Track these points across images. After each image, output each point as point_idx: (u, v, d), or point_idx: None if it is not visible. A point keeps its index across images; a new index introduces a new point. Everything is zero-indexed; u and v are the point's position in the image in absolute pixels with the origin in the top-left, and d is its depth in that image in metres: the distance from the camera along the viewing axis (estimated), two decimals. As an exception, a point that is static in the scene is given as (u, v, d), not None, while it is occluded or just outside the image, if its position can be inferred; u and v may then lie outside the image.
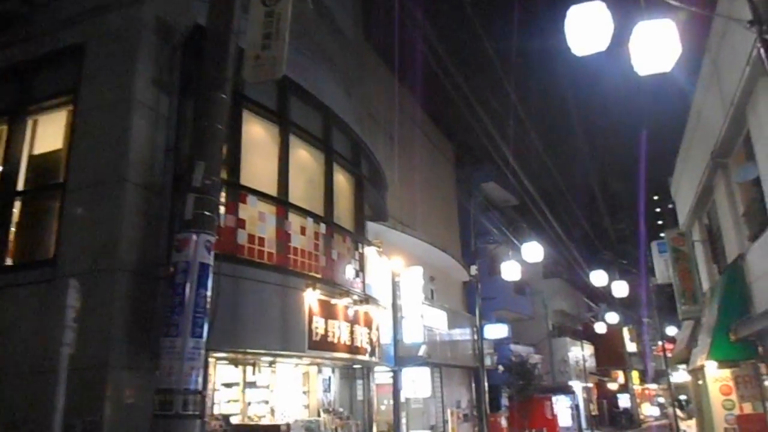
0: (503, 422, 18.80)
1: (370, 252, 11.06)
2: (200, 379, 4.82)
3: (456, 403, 20.48)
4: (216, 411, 9.41)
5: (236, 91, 7.93)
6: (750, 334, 8.64)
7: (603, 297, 29.13)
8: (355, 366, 12.05)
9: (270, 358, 8.86)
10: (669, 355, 18.56)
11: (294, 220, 8.64)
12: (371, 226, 14.87)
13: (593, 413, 27.77)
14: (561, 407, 23.72)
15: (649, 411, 35.34)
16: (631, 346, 36.34)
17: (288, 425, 8.28)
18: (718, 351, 9.25)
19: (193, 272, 4.93)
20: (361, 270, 10.32)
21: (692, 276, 12.36)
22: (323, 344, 8.71)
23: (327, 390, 11.07)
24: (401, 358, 12.76)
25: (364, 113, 16.26)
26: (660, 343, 20.68)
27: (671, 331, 33.46)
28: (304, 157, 9.52)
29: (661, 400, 44.62)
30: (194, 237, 5.00)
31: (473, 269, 14.73)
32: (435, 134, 23.54)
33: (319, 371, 10.69)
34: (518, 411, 21.01)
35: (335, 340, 9.04)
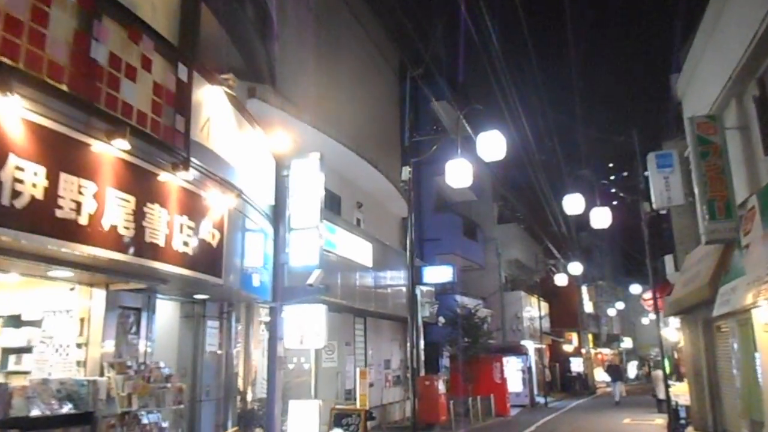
0: (440, 386, 14.77)
1: (211, 96, 6.30)
2: None
3: (384, 363, 16.31)
4: None
5: None
6: None
7: (565, 245, 25.48)
8: (199, 296, 7.43)
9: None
10: (648, 305, 14.88)
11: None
12: (263, 109, 10.10)
13: (547, 378, 24.31)
14: (511, 370, 20.04)
15: (601, 376, 32.51)
16: (588, 306, 33.25)
17: None
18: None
19: None
20: (180, 112, 5.56)
21: (726, 178, 8.24)
22: (38, 221, 4.00)
23: (131, 332, 6.43)
24: (285, 288, 8.22)
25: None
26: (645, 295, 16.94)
27: (635, 289, 30.42)
28: None
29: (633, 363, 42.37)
30: None
31: (406, 171, 10.25)
32: (379, 36, 18.55)
33: (111, 302, 6.01)
34: (461, 373, 17.05)
35: (82, 220, 4.34)
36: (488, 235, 23.78)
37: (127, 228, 4.75)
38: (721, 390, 10.36)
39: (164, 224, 5.21)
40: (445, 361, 19.19)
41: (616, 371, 25.09)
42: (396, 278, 15.92)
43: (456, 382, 17.06)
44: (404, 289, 16.06)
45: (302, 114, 11.54)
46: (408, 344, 16.44)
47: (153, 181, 5.17)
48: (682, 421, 11.21)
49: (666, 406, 15.81)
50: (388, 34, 18.60)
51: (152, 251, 5.04)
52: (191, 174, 5.58)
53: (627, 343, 46.31)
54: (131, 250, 4.79)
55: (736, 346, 7.87)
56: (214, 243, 6.08)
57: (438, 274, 16.07)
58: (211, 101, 6.24)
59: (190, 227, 5.62)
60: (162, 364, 6.52)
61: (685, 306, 10.11)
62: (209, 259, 5.99)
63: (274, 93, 10.77)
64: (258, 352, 9.98)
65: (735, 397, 8.75)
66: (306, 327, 8.24)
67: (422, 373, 16.56)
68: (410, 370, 10.57)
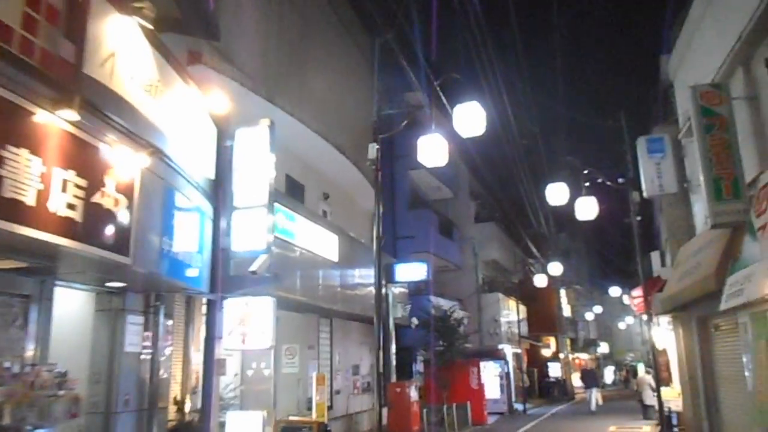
0: (413, 393, 13.57)
1: (120, 27, 5.02)
2: None
3: (352, 368, 15.05)
4: None
5: None
6: None
7: (545, 244, 24.59)
8: (112, 284, 6.11)
9: None
10: (633, 304, 13.99)
11: None
12: (208, 75, 8.80)
13: (525, 384, 23.21)
14: (488, 376, 18.94)
15: (578, 382, 31.64)
16: (566, 310, 32.39)
17: None
18: None
19: None
20: (70, 37, 4.28)
21: (733, 154, 7.28)
22: None
23: (15, 325, 5.07)
24: (228, 278, 6.95)
25: None
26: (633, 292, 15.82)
27: (614, 291, 29.73)
28: None
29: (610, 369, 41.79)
30: None
31: (373, 149, 9.06)
32: (352, 22, 17.32)
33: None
34: (436, 379, 15.88)
35: None
36: (465, 234, 22.73)
37: (-32, 175, 3.45)
38: (719, 395, 9.38)
39: (36, 177, 3.91)
40: (419, 367, 18.01)
41: (591, 377, 22.48)
42: (366, 276, 14.67)
43: (430, 389, 15.90)
44: (374, 288, 14.82)
45: (259, 87, 10.29)
46: (377, 347, 15.28)
47: (21, 118, 3.88)
48: (675, 429, 10.20)
49: (653, 412, 14.91)
50: (357, 11, 17.31)
51: (14, 211, 3.74)
52: (82, 118, 4.30)
53: (603, 347, 45.82)
54: (-25, 206, 3.50)
55: (749, 343, 6.87)
56: (118, 211, 4.79)
57: (411, 271, 14.92)
58: (120, 34, 4.96)
59: (79, 186, 4.32)
60: (59, 367, 5.20)
61: (681, 302, 9.11)
62: (110, 231, 4.69)
63: (224, 60, 9.52)
64: (200, 354, 8.65)
65: (741, 404, 7.75)
66: (250, 323, 6.94)
67: (393, 379, 15.37)
68: (377, 376, 9.31)
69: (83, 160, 4.40)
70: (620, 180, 12.48)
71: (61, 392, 5.03)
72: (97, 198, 4.53)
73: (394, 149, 18.99)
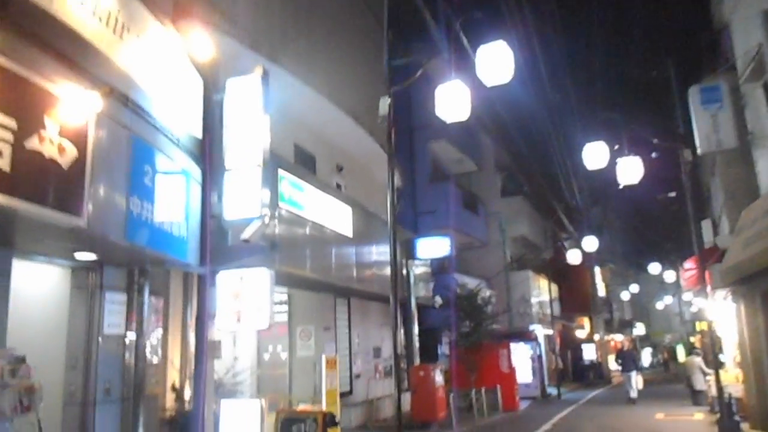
0: (438, 377, 12.66)
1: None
2: None
3: (373, 351, 14.22)
4: None
5: None
6: None
7: (577, 218, 23.26)
8: (81, 256, 5.30)
9: None
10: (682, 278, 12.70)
11: None
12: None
13: (559, 367, 22.01)
14: (519, 358, 17.91)
15: (615, 365, 30.32)
16: (600, 290, 30.92)
17: None
18: None
19: None
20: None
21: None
22: None
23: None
24: (219, 249, 6.10)
25: None
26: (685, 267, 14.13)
27: (654, 268, 28.24)
28: None
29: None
30: None
31: (384, 103, 8.05)
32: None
33: None
34: (463, 362, 14.95)
35: None
36: (491, 209, 21.55)
37: None
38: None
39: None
40: (444, 349, 17.09)
41: (629, 359, 18.36)
42: (385, 253, 13.55)
43: (457, 373, 14.97)
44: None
45: (260, 45, 9.34)
46: (393, 325, 14.40)
47: None
48: (735, 417, 9.05)
49: (703, 398, 13.69)
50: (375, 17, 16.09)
51: None
52: (12, 45, 3.44)
53: (640, 329, 44.18)
54: None
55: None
56: (65, 162, 3.93)
57: (433, 247, 13.94)
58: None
59: (5, 127, 3.47)
60: (17, 352, 4.43)
61: (748, 272, 7.91)
62: (54, 184, 3.85)
63: (219, 14, 8.58)
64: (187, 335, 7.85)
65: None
66: (245, 300, 6.08)
67: (417, 362, 14.52)
68: (395, 357, 8.42)
69: (12, 96, 3.55)
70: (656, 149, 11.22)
71: (13, 381, 4.27)
72: (33, 144, 3.67)
73: (412, 120, 17.93)
